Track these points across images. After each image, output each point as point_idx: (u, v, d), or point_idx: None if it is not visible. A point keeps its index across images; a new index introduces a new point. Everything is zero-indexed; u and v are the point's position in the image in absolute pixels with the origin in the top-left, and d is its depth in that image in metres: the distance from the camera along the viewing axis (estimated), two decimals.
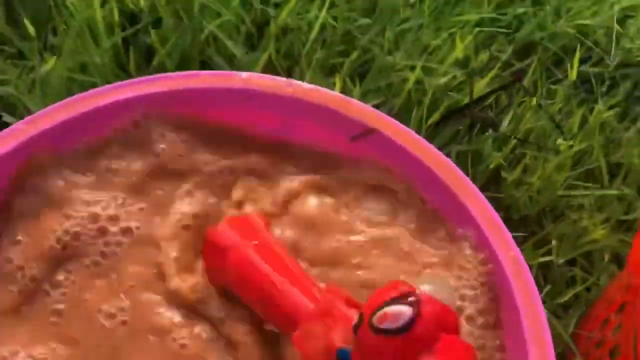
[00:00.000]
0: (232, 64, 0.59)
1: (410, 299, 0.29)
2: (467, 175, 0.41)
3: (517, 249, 0.37)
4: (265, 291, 0.34)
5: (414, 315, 0.28)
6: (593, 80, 0.66)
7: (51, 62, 0.52)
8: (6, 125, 0.52)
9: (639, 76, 0.69)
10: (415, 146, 0.41)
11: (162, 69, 0.58)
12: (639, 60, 0.70)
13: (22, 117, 0.55)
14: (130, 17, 0.63)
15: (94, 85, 0.53)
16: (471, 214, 0.38)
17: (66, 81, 0.53)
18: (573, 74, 0.65)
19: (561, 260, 0.52)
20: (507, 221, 0.40)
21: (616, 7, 0.72)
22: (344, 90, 0.57)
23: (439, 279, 0.33)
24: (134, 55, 0.57)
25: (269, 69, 0.60)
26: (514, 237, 0.38)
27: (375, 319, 0.29)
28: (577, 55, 0.66)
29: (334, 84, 0.57)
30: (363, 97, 0.59)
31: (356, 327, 0.30)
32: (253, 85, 0.44)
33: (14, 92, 0.56)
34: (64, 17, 0.60)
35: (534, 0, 0.71)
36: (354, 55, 0.61)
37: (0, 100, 0.57)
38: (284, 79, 0.45)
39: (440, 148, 0.56)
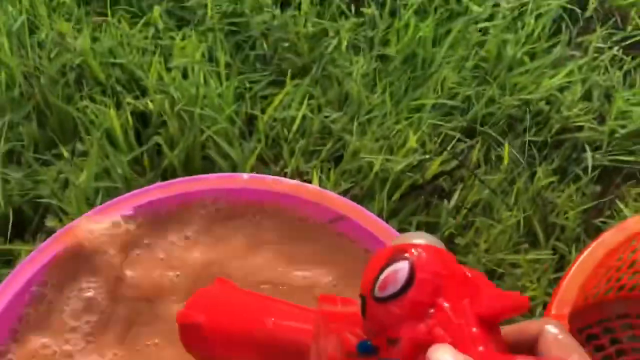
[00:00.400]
0: (229, 158, 0.71)
1: (403, 254, 0.27)
2: None
3: None
4: (259, 339, 0.32)
5: (412, 266, 0.26)
6: (534, 149, 0.78)
7: (83, 176, 0.64)
8: (47, 228, 0.65)
9: (575, 140, 0.81)
10: (372, 224, 0.51)
11: (171, 166, 0.71)
12: (575, 125, 0.82)
13: (57, 216, 0.68)
14: (142, 117, 0.76)
15: (116, 190, 0.66)
16: None
17: (94, 186, 0.66)
18: (515, 145, 0.77)
19: None
20: None
21: (555, 80, 0.84)
22: (320, 179, 0.69)
23: (426, 234, 0.29)
24: (147, 157, 0.70)
25: (259, 159, 0.73)
26: None
27: (377, 291, 0.27)
28: (521, 125, 0.78)
29: (313, 173, 0.69)
30: (339, 180, 0.71)
31: (363, 311, 0.28)
32: (252, 185, 0.54)
33: (48, 193, 0.68)
34: (86, 125, 0.72)
35: (481, 79, 0.83)
36: (329, 144, 0.73)
37: (37, 199, 0.69)
38: (272, 178, 0.54)
39: (403, 219, 0.68)
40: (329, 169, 0.72)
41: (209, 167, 0.71)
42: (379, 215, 0.68)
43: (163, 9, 0.85)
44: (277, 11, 0.86)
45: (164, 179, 0.70)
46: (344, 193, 0.70)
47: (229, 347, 0.33)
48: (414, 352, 0.26)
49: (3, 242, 0.68)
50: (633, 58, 0.90)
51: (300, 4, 0.87)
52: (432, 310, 0.26)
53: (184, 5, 0.86)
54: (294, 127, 0.74)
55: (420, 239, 0.28)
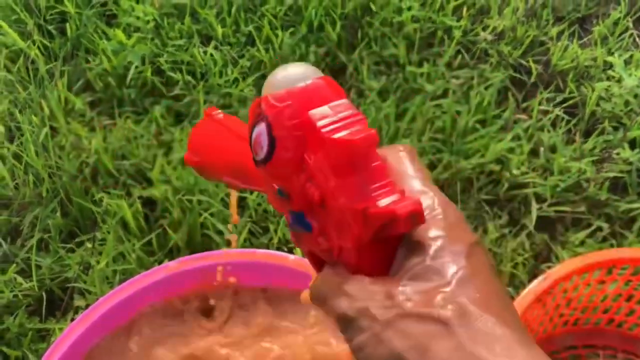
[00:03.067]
0: (224, 235, 0.84)
1: (260, 114, 0.27)
2: None
3: None
4: (237, 168, 0.34)
5: (270, 127, 0.26)
6: (487, 207, 0.91)
7: (102, 261, 0.77)
8: (80, 307, 0.77)
9: (524, 195, 0.94)
10: None
11: (176, 245, 0.84)
12: (523, 182, 0.95)
13: (82, 295, 0.81)
14: (149, 202, 0.89)
15: (132, 270, 0.79)
16: None
17: (112, 268, 0.79)
18: (470, 205, 0.89)
19: None
20: None
21: (504, 143, 0.97)
22: None
23: (296, 66, 0.28)
24: (156, 239, 0.83)
25: (250, 232, 0.86)
26: None
27: (254, 156, 0.27)
28: (476, 185, 0.91)
29: (294, 246, 0.82)
30: None
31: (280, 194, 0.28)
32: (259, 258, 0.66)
33: (74, 276, 0.82)
34: (102, 215, 0.86)
35: (439, 147, 0.96)
36: None
37: (64, 282, 0.82)
38: (270, 252, 0.66)
39: None
40: None
41: (208, 243, 0.84)
42: None
43: (163, 107, 0.99)
44: None
45: (171, 257, 0.83)
46: None
47: (219, 173, 0.37)
48: (306, 205, 0.26)
49: (38, 321, 0.81)
50: (571, 117, 1.03)
51: None
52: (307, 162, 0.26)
53: (181, 101, 1.01)
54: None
55: (283, 74, 0.27)
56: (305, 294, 0.50)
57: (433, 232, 0.26)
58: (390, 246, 0.26)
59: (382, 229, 0.25)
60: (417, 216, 0.25)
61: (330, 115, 0.26)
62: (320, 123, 0.25)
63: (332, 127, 0.25)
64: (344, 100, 0.27)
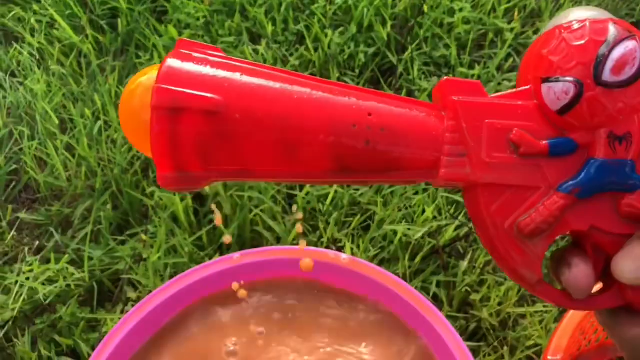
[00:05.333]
0: (274, 231, 0.84)
1: (629, 32, 0.23)
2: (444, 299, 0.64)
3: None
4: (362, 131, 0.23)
5: None
6: None
7: (154, 253, 0.78)
8: (130, 299, 0.78)
9: None
10: (400, 288, 0.63)
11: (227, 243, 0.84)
12: None
13: (133, 287, 0.81)
14: (198, 196, 0.90)
15: (183, 264, 0.79)
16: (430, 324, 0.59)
17: (164, 262, 0.79)
18: None
19: None
20: (476, 333, 0.62)
21: None
22: (352, 247, 0.81)
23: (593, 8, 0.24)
24: (206, 234, 0.83)
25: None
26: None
27: (607, 74, 0.22)
28: None
29: (345, 241, 0.81)
30: (368, 246, 0.83)
31: (570, 105, 0.23)
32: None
33: (125, 268, 0.82)
34: (154, 208, 0.86)
35: None
36: (358, 215, 0.86)
37: (114, 274, 0.83)
38: (326, 252, 0.66)
39: (424, 279, 0.79)
40: (360, 237, 0.84)
41: (258, 239, 0.84)
42: (403, 276, 0.80)
43: None
44: None
45: (221, 252, 0.83)
46: (372, 258, 0.82)
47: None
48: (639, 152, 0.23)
49: (89, 311, 0.81)
50: None
51: None
52: None
53: None
54: (328, 201, 0.87)
55: (594, 12, 0.24)
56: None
57: None
58: None
59: None
60: None
61: None
62: None
63: None
64: None
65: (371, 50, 1.06)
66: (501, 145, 0.23)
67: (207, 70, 0.23)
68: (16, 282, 0.84)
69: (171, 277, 0.79)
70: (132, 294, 0.79)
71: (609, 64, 0.22)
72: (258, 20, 1.10)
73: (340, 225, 0.87)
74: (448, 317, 0.75)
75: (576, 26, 0.23)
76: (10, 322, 0.81)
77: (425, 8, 1.09)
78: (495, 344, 0.75)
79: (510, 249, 0.23)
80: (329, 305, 0.65)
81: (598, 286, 0.25)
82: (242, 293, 0.60)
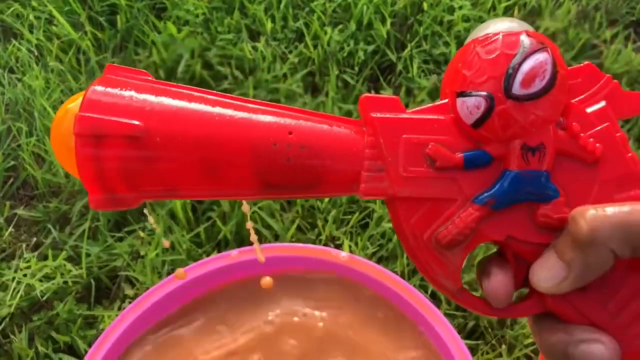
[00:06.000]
0: (273, 229, 0.84)
1: (541, 44, 0.23)
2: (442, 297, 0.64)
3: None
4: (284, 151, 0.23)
5: (553, 60, 0.23)
6: None
7: (153, 251, 0.77)
8: (128, 295, 0.78)
9: None
10: (399, 286, 0.63)
11: (224, 238, 0.84)
12: None
13: (131, 284, 0.81)
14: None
15: (181, 261, 0.79)
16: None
17: (162, 259, 0.79)
18: None
19: None
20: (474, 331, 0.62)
21: None
22: (350, 245, 0.81)
23: (514, 20, 0.24)
24: (204, 231, 0.83)
25: (297, 228, 0.85)
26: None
27: (516, 88, 0.22)
28: None
29: (343, 239, 0.81)
30: (366, 244, 0.83)
31: (482, 119, 0.23)
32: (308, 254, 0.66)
33: (121, 265, 0.82)
34: (151, 204, 0.86)
35: None
36: (357, 212, 0.85)
37: (112, 271, 0.83)
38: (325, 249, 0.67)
39: (423, 277, 0.79)
40: (358, 235, 0.84)
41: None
42: (402, 274, 0.80)
43: None
44: (308, 97, 1.00)
45: (219, 249, 0.83)
46: (371, 256, 0.81)
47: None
48: (553, 162, 0.23)
49: (87, 308, 0.81)
50: (625, 122, 1.01)
51: (327, 90, 1.01)
52: (561, 118, 0.23)
53: None
54: (326, 199, 0.87)
55: (512, 23, 0.24)
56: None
57: None
58: None
59: None
60: None
61: None
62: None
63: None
64: None
65: (370, 48, 1.05)
66: (418, 160, 0.24)
67: (130, 95, 0.23)
68: (13, 278, 0.84)
69: (168, 274, 0.79)
70: (129, 291, 0.79)
71: (519, 77, 0.22)
72: (257, 17, 1.10)
73: (339, 222, 0.86)
74: (446, 315, 0.74)
75: (490, 40, 0.23)
76: (7, 319, 0.80)
77: (425, 5, 1.09)
78: (493, 342, 0.74)
79: (430, 260, 0.24)
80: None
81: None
82: (267, 282, 0.59)
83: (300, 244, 0.65)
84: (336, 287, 0.63)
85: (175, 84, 0.24)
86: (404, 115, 0.24)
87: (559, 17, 1.13)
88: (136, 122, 0.23)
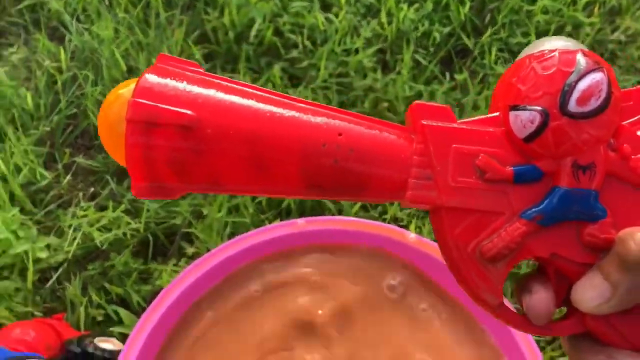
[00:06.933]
0: (338, 203, 0.82)
1: (597, 63, 0.23)
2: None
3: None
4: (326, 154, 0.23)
5: (609, 80, 0.23)
6: None
7: (216, 211, 0.76)
8: (186, 253, 0.76)
9: None
10: None
11: (287, 207, 0.82)
12: None
13: (190, 242, 0.79)
14: None
15: (244, 224, 0.77)
16: None
17: (225, 220, 0.77)
18: None
19: None
20: None
21: None
22: (417, 228, 0.79)
23: (566, 38, 0.24)
24: (266, 200, 0.81)
25: (362, 206, 0.83)
26: None
27: (572, 105, 0.22)
28: None
29: (406, 223, 0.79)
30: (430, 226, 0.80)
31: (535, 134, 0.23)
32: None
33: (180, 223, 0.80)
34: None
35: None
36: None
37: (169, 228, 0.81)
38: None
39: None
40: (423, 218, 0.82)
41: (318, 208, 0.82)
42: None
43: (280, 67, 0.97)
44: (379, 73, 0.97)
45: (281, 218, 0.81)
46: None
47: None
48: (603, 182, 0.23)
49: (142, 263, 0.80)
50: None
51: (399, 69, 0.98)
52: (612, 140, 0.24)
53: (298, 66, 0.98)
54: None
55: (567, 42, 0.24)
56: None
57: None
58: None
59: None
60: None
61: None
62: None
63: None
64: None
65: (446, 30, 1.02)
66: (467, 170, 0.23)
67: (183, 85, 0.23)
68: (70, 225, 0.83)
69: (229, 237, 0.77)
70: (189, 249, 0.77)
71: (575, 94, 0.22)
72: None
73: None
74: None
75: (546, 56, 0.23)
76: (64, 265, 0.79)
77: None
78: None
79: (472, 272, 0.24)
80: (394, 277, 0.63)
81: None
82: None
83: (370, 221, 0.63)
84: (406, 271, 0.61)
85: (223, 77, 0.24)
86: (455, 125, 0.24)
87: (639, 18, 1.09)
88: (189, 112, 0.23)
